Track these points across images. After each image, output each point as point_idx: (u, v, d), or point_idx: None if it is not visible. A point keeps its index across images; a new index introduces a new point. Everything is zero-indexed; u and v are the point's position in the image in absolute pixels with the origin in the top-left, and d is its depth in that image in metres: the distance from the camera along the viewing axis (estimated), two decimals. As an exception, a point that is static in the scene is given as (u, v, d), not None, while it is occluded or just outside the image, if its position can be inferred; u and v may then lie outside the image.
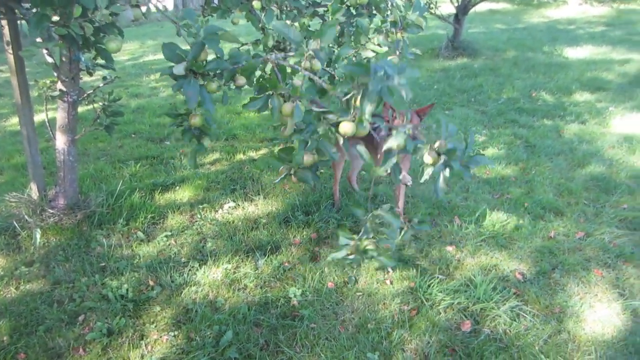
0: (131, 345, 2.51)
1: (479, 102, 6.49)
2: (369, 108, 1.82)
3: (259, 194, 4.02)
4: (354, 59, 3.03)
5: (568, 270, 3.10)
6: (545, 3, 15.74)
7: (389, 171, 1.83)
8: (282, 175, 2.11)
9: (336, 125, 1.87)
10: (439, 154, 1.89)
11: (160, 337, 2.57)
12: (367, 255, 2.02)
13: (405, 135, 1.84)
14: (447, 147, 1.84)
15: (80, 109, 3.66)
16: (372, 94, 1.81)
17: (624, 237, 3.43)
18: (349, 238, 2.03)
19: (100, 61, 2.75)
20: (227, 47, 2.23)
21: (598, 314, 2.75)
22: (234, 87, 2.12)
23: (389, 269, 3.08)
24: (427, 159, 1.81)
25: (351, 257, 2.04)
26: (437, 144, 1.84)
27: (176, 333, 2.60)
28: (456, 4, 8.47)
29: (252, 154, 4.91)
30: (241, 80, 2.12)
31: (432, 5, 8.18)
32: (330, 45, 3.35)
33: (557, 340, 2.56)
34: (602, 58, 8.48)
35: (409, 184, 3.19)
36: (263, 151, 4.98)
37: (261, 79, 2.34)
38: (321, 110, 2.01)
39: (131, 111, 6.36)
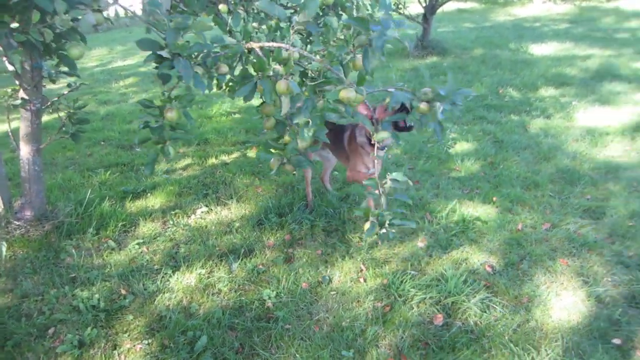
0: (103, 356, 2.48)
1: (448, 100, 6.59)
2: (373, 64, 1.91)
3: (231, 198, 4.01)
4: (324, 55, 3.07)
5: (535, 260, 3.18)
6: (511, 2, 16.06)
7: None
8: (277, 166, 2.12)
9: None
10: (428, 102, 2.01)
11: (134, 345, 2.55)
12: (392, 226, 2.08)
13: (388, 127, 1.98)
14: (435, 92, 1.97)
15: (45, 118, 3.60)
16: (376, 50, 1.89)
17: (588, 227, 3.54)
18: (372, 215, 2.10)
19: (64, 68, 2.71)
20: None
21: (564, 301, 2.83)
22: (216, 75, 2.10)
23: (362, 267, 3.11)
24: (423, 106, 1.98)
25: (382, 231, 2.08)
26: (424, 92, 1.97)
27: (150, 341, 2.58)
28: (424, 4, 8.58)
29: (225, 157, 4.90)
30: (224, 67, 2.11)
31: (400, 6, 8.29)
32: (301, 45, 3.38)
33: (525, 329, 2.62)
34: (565, 54, 8.70)
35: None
36: (235, 155, 4.96)
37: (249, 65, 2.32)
38: (317, 82, 2.06)
39: (100, 118, 6.26)
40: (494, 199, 3.91)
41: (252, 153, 4.95)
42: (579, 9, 14.25)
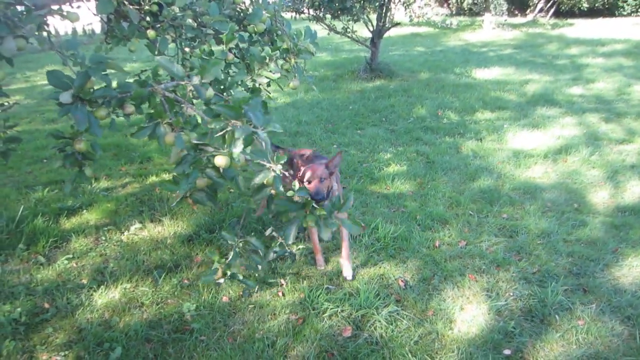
0: (19, 367, 2.55)
1: (390, 121, 6.89)
2: (237, 149, 2.01)
3: (166, 215, 4.12)
4: (248, 85, 3.24)
5: (446, 276, 3.40)
6: (463, 27, 16.77)
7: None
8: (178, 199, 2.24)
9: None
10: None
11: (50, 357, 2.63)
12: (234, 278, 2.22)
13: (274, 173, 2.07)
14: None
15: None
16: (239, 140, 2.01)
17: (500, 244, 3.80)
18: (219, 262, 2.22)
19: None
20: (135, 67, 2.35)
21: (467, 314, 3.05)
22: (122, 115, 2.22)
23: (282, 282, 3.27)
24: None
25: (220, 281, 2.23)
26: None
27: (67, 353, 2.66)
28: (371, 29, 8.93)
29: (165, 175, 5.00)
30: (129, 108, 2.23)
31: (348, 30, 8.60)
32: (224, 71, 3.54)
33: (426, 341, 2.83)
34: (505, 79, 9.19)
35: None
36: (172, 178, 5.06)
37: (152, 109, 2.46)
38: (198, 142, 2.17)
39: (44, 136, 6.26)
40: (417, 216, 4.14)
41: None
42: (526, 35, 15.00)
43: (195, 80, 2.14)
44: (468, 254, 3.67)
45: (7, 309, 2.93)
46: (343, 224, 2.04)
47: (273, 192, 2.12)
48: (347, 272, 3.35)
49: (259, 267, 2.32)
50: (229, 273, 2.23)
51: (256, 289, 3.19)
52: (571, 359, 2.70)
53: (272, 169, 2.01)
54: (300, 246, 3.69)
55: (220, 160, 1.94)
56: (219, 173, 2.06)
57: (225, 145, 2.01)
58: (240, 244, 2.33)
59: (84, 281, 3.27)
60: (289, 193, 2.13)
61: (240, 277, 2.24)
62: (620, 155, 5.57)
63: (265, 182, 2.03)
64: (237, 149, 1.91)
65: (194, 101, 2.20)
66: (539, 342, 2.82)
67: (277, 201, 2.12)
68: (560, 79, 9.27)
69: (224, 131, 2.01)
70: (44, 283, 3.22)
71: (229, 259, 2.24)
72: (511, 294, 3.24)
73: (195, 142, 2.08)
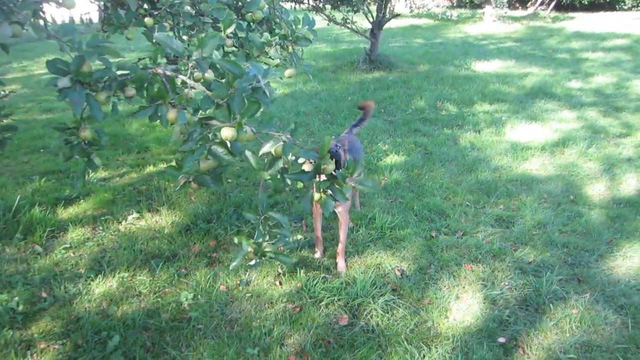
0: (16, 355, 2.56)
1: (389, 112, 6.89)
2: (238, 109, 2.00)
3: (164, 205, 4.13)
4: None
5: (442, 266, 3.42)
6: (463, 19, 16.71)
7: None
8: (182, 183, 2.24)
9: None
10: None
11: (48, 346, 2.64)
12: (267, 258, 2.20)
13: (281, 142, 2.06)
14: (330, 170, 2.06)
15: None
16: (240, 93, 2.00)
17: (496, 234, 3.82)
18: (248, 244, 2.20)
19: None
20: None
21: (462, 303, 3.07)
22: (124, 98, 2.21)
23: (280, 271, 3.28)
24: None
25: (252, 262, 2.21)
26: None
27: (64, 341, 2.67)
28: (371, 20, 8.90)
29: (163, 165, 5.00)
30: (131, 91, 2.22)
31: (348, 21, 8.58)
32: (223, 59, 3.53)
33: (422, 329, 2.85)
34: (505, 72, 9.18)
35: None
36: (174, 163, 5.06)
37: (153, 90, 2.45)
38: (203, 116, 2.16)
39: (41, 126, 6.25)
40: (415, 207, 4.16)
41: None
42: (527, 28, 14.96)
43: (196, 55, 2.13)
44: (464, 244, 3.69)
45: (5, 298, 2.94)
46: (361, 183, 2.01)
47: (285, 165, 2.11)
48: (341, 267, 3.37)
49: (289, 239, 2.30)
50: (260, 252, 2.20)
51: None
52: (565, 347, 2.72)
53: (282, 138, 2.01)
54: (299, 236, 3.70)
55: (227, 132, 1.92)
56: (226, 149, 2.05)
57: (231, 117, 1.99)
58: (262, 221, 2.28)
59: (82, 270, 3.28)
60: (300, 160, 2.14)
61: (273, 255, 2.21)
62: (617, 148, 5.58)
63: (274, 152, 2.02)
64: (239, 110, 1.89)
65: (194, 86, 2.18)
66: (533, 330, 2.84)
67: (290, 175, 2.11)
68: (559, 72, 9.26)
69: (226, 99, 2.00)
70: (42, 272, 3.23)
71: (255, 238, 2.21)
72: (506, 283, 3.26)
73: (200, 117, 2.07)
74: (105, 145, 5.33)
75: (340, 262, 3.39)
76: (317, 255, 3.51)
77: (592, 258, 3.53)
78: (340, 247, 3.38)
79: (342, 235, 3.35)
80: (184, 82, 2.16)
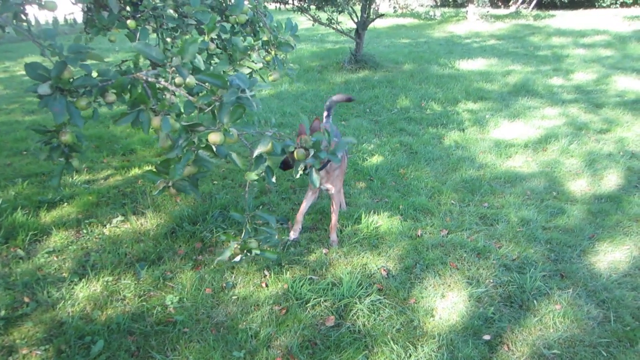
0: (-1, 362, 2.53)
1: (374, 112, 6.91)
2: (226, 119, 2.01)
3: (149, 207, 4.09)
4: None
5: (428, 265, 3.44)
6: (447, 18, 16.82)
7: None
8: (160, 188, 2.23)
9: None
10: (306, 149, 2.17)
11: (31, 351, 2.61)
12: (252, 254, 2.21)
13: (272, 139, 2.09)
14: (311, 140, 2.13)
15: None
16: (227, 105, 2.00)
17: (481, 232, 3.85)
18: (234, 240, 2.21)
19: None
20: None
21: (448, 302, 3.10)
22: (105, 103, 2.19)
23: (266, 273, 3.28)
24: (298, 153, 2.11)
25: (237, 259, 2.22)
26: (301, 139, 2.12)
27: (47, 347, 2.65)
28: (356, 20, 8.91)
29: (148, 167, 4.96)
30: (111, 97, 2.20)
31: (333, 21, 8.58)
32: (206, 62, 3.51)
33: (408, 328, 2.87)
34: (488, 70, 9.25)
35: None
36: (154, 167, 5.03)
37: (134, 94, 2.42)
38: (189, 123, 2.15)
39: (24, 128, 6.17)
40: (400, 207, 4.18)
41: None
42: (509, 27, 15.09)
43: (176, 61, 2.11)
44: (449, 243, 3.71)
45: (-13, 304, 2.90)
46: (339, 143, 2.15)
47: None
48: (333, 238, 3.67)
49: (274, 237, 2.32)
50: (245, 248, 2.21)
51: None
52: (549, 342, 2.76)
53: (267, 134, 2.05)
54: (284, 237, 3.70)
55: (215, 137, 1.93)
56: (212, 152, 2.06)
57: (217, 122, 2.00)
58: (249, 219, 2.29)
59: (65, 275, 3.24)
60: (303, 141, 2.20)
61: (258, 252, 2.23)
62: (598, 144, 5.66)
63: (265, 150, 2.04)
64: (226, 119, 1.92)
65: (176, 91, 2.17)
66: (518, 326, 2.88)
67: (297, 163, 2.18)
68: (541, 69, 9.36)
69: (212, 106, 2.01)
70: (24, 277, 3.19)
71: (242, 236, 2.23)
72: (491, 281, 3.30)
73: (185, 124, 2.07)
74: (85, 150, 5.29)
75: (333, 235, 3.69)
76: (291, 236, 3.66)
77: (575, 253, 3.58)
78: (332, 223, 3.67)
79: (334, 214, 3.66)
80: (165, 88, 2.15)
